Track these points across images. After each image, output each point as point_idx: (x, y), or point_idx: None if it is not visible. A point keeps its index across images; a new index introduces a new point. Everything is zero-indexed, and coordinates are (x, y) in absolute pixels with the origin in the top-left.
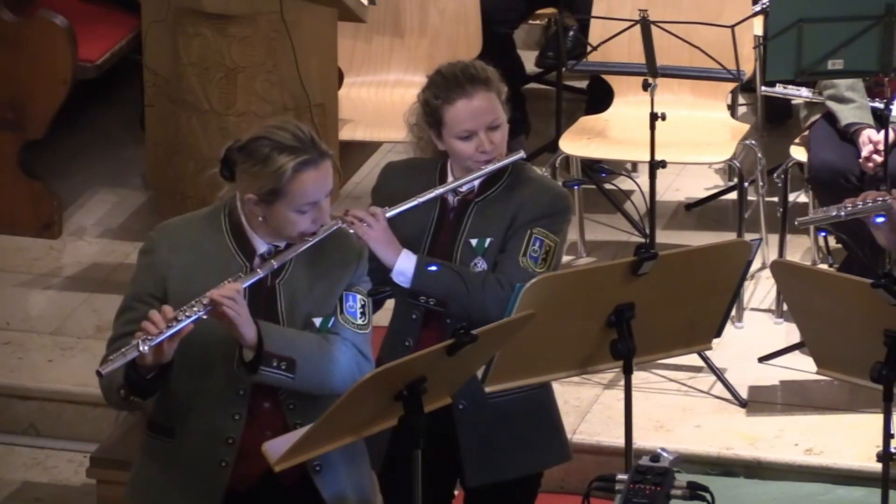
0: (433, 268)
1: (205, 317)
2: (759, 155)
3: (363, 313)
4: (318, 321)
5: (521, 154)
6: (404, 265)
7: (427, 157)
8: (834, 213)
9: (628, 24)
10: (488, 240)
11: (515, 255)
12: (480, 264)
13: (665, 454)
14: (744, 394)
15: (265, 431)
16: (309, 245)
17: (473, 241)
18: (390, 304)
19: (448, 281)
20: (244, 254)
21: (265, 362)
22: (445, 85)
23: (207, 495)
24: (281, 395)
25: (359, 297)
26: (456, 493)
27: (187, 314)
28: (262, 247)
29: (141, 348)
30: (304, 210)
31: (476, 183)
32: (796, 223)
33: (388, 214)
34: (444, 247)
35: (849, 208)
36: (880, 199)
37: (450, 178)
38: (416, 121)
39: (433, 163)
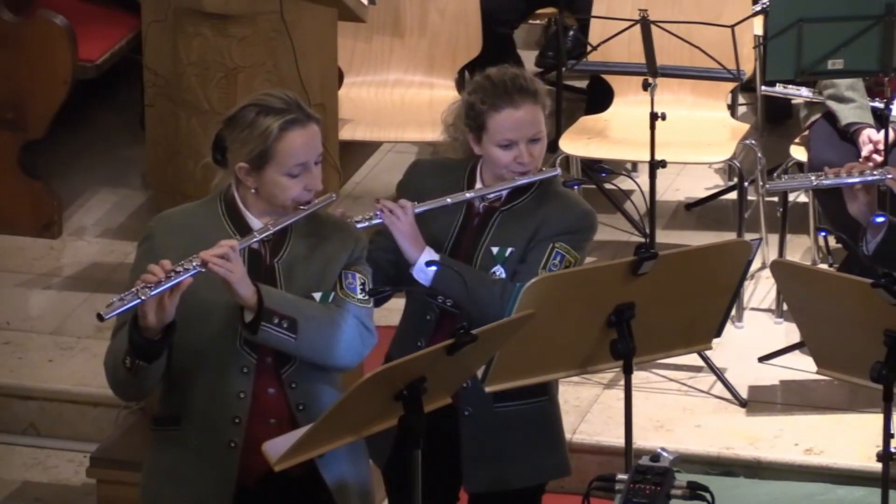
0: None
1: (203, 269)
2: (759, 155)
3: (363, 289)
4: (317, 296)
5: (557, 171)
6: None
7: (457, 158)
8: (815, 182)
9: (628, 23)
10: (509, 249)
11: (535, 267)
12: (499, 272)
13: (665, 454)
14: (744, 394)
15: (269, 419)
16: (305, 214)
17: (494, 250)
18: (391, 304)
19: (467, 284)
20: (240, 233)
21: (266, 318)
22: (494, 91)
23: (220, 479)
24: (283, 374)
25: (358, 275)
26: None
27: (185, 268)
28: (257, 226)
29: (141, 296)
30: (294, 173)
31: (504, 192)
32: (767, 187)
33: (418, 210)
34: (466, 252)
35: (830, 178)
36: (868, 172)
37: (478, 182)
38: (454, 121)
39: (462, 164)
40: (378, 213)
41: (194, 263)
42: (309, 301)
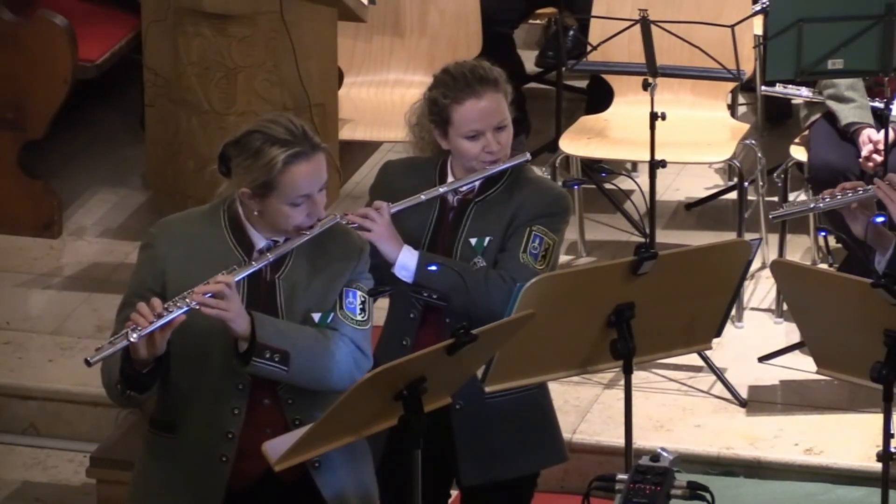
0: (433, 267)
1: (196, 307)
2: (759, 155)
3: (363, 310)
4: (316, 316)
5: (527, 156)
6: (406, 259)
7: (426, 156)
8: (812, 206)
9: (628, 23)
10: (487, 239)
11: (516, 251)
12: (480, 263)
13: (665, 454)
14: (744, 394)
15: (265, 429)
16: (306, 239)
17: (473, 241)
18: (383, 303)
19: (451, 275)
20: (243, 248)
21: (257, 353)
22: (454, 84)
23: (208, 492)
24: (279, 390)
25: (359, 293)
26: (453, 493)
27: (178, 306)
28: (260, 242)
29: (130, 338)
30: (297, 203)
31: (476, 183)
32: (770, 217)
33: (393, 210)
34: (444, 246)
35: (827, 200)
36: (860, 189)
37: (449, 177)
38: (417, 121)
39: (432, 162)
40: (353, 224)
41: (187, 301)
42: (303, 329)
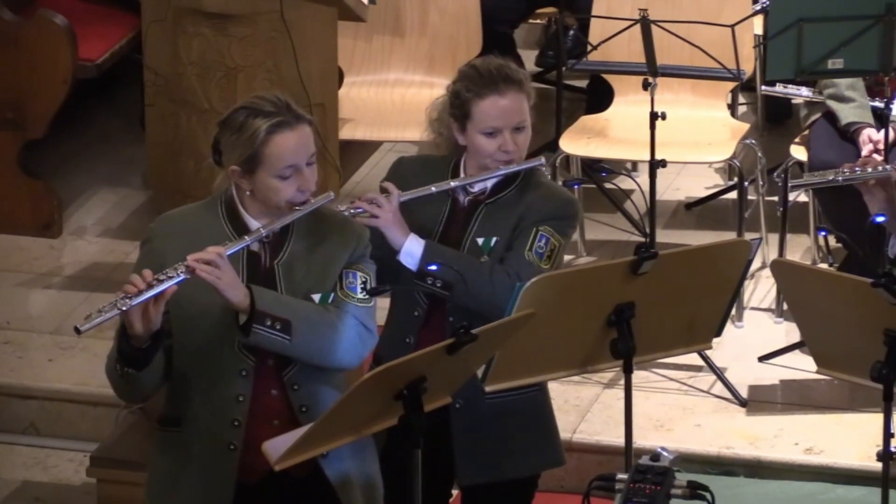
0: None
1: (188, 276)
2: (759, 154)
3: (364, 289)
4: (316, 297)
5: (541, 161)
6: (412, 246)
7: (440, 154)
8: (831, 178)
9: (628, 23)
10: (494, 239)
11: (521, 249)
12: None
13: (665, 453)
14: (744, 393)
15: (272, 421)
16: (300, 214)
17: (480, 240)
18: (384, 302)
19: (456, 264)
20: (239, 235)
21: (258, 320)
22: (479, 79)
23: (218, 481)
24: (285, 376)
25: (360, 274)
26: (454, 492)
27: (170, 275)
28: (255, 227)
29: (119, 306)
30: (285, 175)
31: (489, 184)
32: (790, 185)
33: (402, 198)
34: (451, 244)
35: (846, 173)
36: (880, 167)
37: (462, 175)
38: (438, 115)
39: (446, 160)
40: (359, 209)
41: (179, 271)
42: (305, 302)
